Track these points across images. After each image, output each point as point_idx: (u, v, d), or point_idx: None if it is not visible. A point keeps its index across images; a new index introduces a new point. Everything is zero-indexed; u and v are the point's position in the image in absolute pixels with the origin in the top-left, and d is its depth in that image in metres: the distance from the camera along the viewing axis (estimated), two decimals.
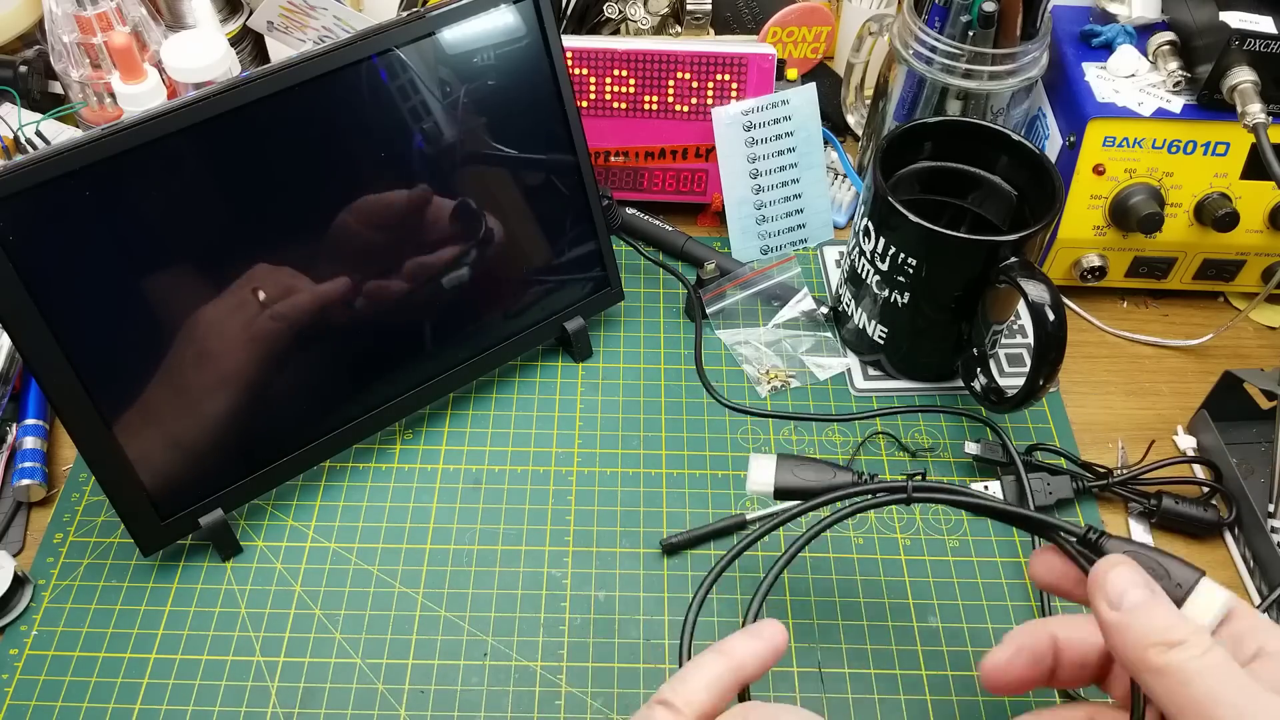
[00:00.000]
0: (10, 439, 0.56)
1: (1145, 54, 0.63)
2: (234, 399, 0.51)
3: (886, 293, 0.57)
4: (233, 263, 0.49)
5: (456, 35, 0.52)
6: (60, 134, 0.69)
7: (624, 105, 0.66)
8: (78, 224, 0.44)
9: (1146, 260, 0.64)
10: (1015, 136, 0.57)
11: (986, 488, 0.55)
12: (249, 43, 0.74)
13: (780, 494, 0.46)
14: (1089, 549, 0.38)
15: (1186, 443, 0.59)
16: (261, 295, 0.49)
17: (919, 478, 0.42)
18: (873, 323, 0.60)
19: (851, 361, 0.63)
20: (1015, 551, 0.54)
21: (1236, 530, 0.55)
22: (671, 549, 0.53)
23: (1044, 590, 0.40)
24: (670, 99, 0.66)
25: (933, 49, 0.62)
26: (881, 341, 0.60)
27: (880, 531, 0.55)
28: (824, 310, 0.65)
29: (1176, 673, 0.31)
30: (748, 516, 0.54)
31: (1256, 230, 0.62)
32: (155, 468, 0.49)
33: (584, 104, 0.66)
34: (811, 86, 0.66)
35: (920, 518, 0.55)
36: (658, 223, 0.68)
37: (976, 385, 0.58)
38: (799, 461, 0.46)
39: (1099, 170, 0.61)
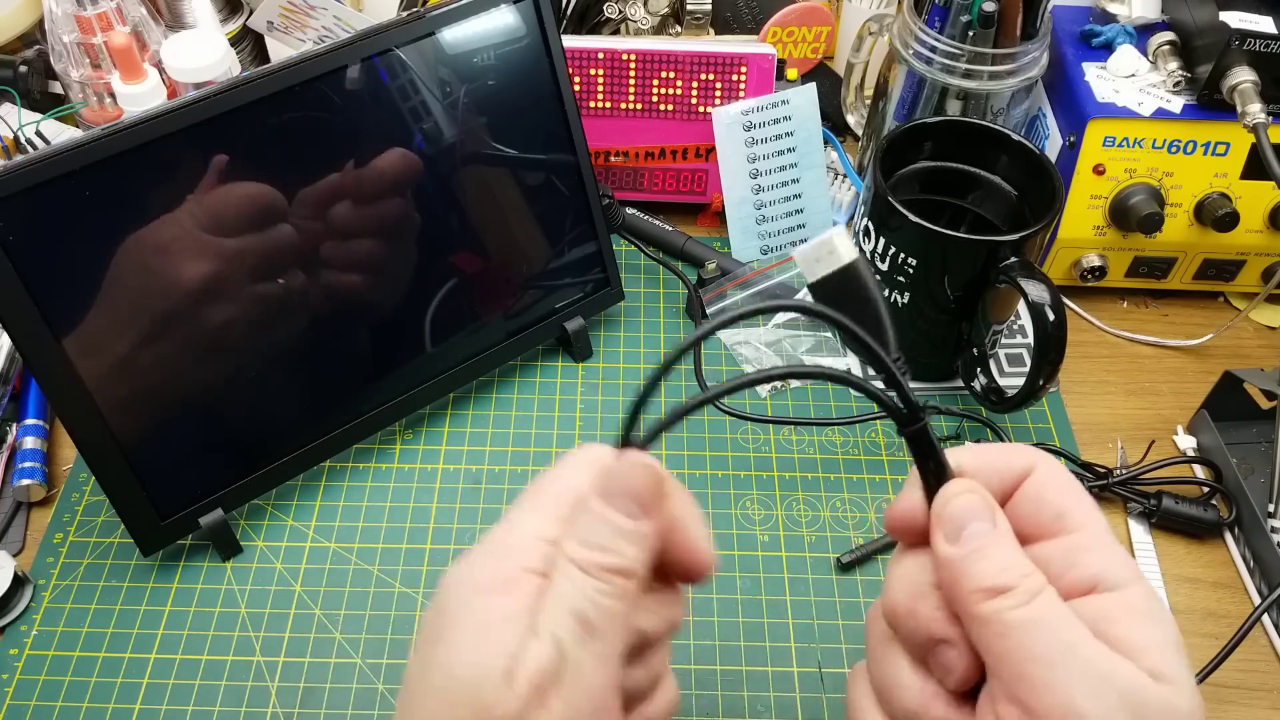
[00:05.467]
0: (10, 439, 0.56)
1: (1145, 54, 0.63)
2: (236, 398, 0.51)
3: (886, 293, 0.57)
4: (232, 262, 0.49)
5: (456, 35, 0.52)
6: (60, 134, 0.69)
7: (624, 105, 0.66)
8: (78, 224, 0.44)
9: (1146, 260, 0.64)
10: (1015, 136, 0.57)
11: None
12: (249, 43, 0.74)
13: (825, 286, 0.32)
14: (922, 448, 0.30)
15: (1186, 443, 0.59)
16: (263, 288, 0.49)
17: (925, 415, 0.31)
18: None
19: (852, 362, 0.63)
20: None
21: (1236, 530, 0.55)
22: (847, 567, 0.53)
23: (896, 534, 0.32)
24: (670, 99, 0.66)
25: (933, 49, 0.62)
26: None
27: (881, 530, 0.55)
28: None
29: (994, 624, 0.28)
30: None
31: (1256, 230, 0.62)
32: (155, 468, 0.49)
33: (585, 104, 0.66)
34: (811, 86, 0.66)
35: None
36: (658, 223, 0.68)
37: (976, 385, 0.58)
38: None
39: (1099, 170, 0.61)
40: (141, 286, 0.47)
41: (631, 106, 0.66)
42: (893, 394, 0.30)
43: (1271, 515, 0.53)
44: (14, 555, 0.52)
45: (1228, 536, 0.55)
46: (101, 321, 0.46)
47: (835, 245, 0.30)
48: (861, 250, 0.29)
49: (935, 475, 0.31)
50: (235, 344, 0.50)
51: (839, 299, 0.31)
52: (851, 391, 0.61)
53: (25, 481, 0.54)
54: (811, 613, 0.51)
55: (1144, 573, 0.53)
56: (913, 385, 0.60)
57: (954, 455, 0.31)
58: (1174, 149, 0.61)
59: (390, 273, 0.53)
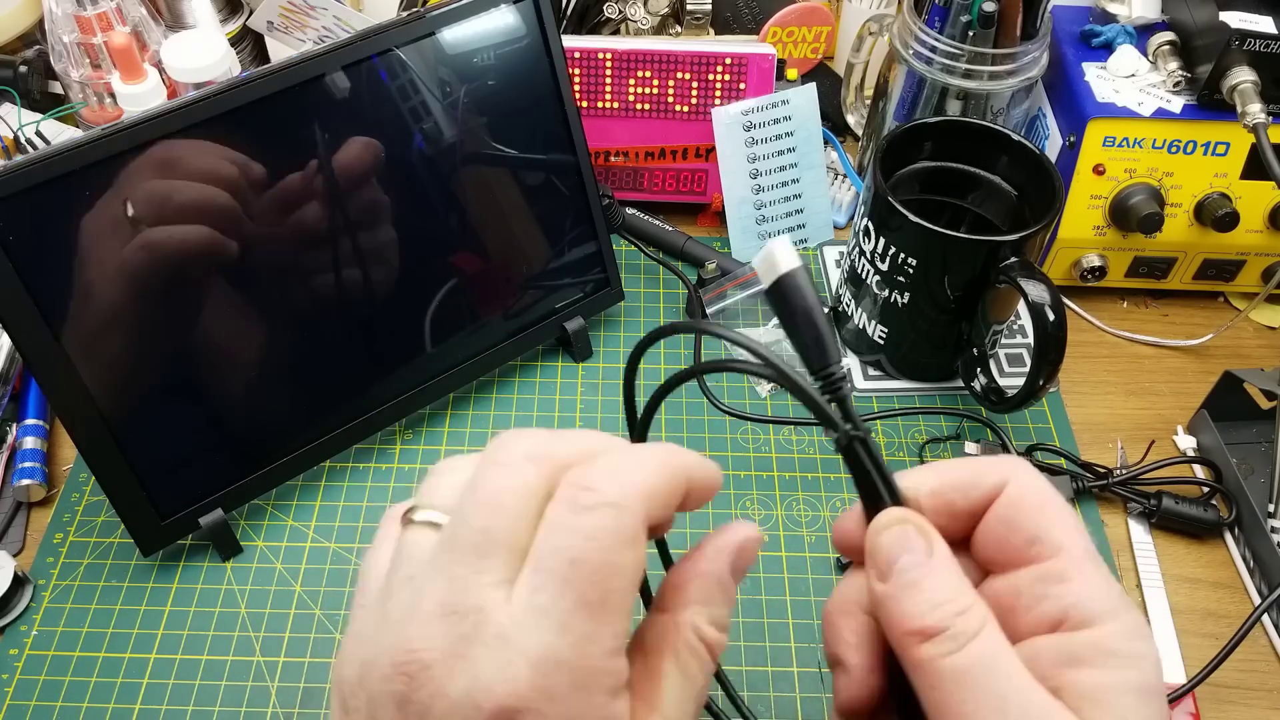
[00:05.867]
0: (10, 439, 0.56)
1: (1145, 54, 0.63)
2: (236, 398, 0.51)
3: (886, 293, 0.57)
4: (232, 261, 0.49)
5: (456, 35, 0.52)
6: (60, 134, 0.69)
7: (624, 105, 0.66)
8: (78, 224, 0.44)
9: (1146, 260, 0.64)
10: (1015, 136, 0.57)
11: None
12: (249, 43, 0.74)
13: (778, 292, 0.30)
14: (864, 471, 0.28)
15: (1186, 443, 0.59)
16: (257, 292, 0.50)
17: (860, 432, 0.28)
18: (873, 323, 0.60)
19: (851, 362, 0.63)
20: None
21: (1236, 530, 0.55)
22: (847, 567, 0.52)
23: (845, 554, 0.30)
24: (670, 99, 0.66)
25: (933, 49, 0.62)
26: (881, 341, 0.60)
27: None
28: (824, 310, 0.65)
29: (927, 672, 0.25)
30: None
31: (1256, 230, 0.62)
32: (155, 468, 0.49)
33: (585, 104, 0.66)
34: (811, 86, 0.66)
35: None
36: (658, 223, 0.68)
37: (976, 385, 0.58)
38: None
39: (1099, 170, 0.61)
40: (142, 288, 0.47)
41: (631, 106, 0.66)
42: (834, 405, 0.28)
43: (1271, 515, 0.53)
44: (14, 555, 0.52)
45: (1228, 536, 0.55)
46: (101, 322, 0.46)
47: (774, 257, 0.29)
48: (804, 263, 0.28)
49: (873, 497, 0.28)
50: (236, 344, 0.50)
51: (789, 307, 0.29)
52: (851, 391, 0.61)
53: (25, 481, 0.54)
54: (811, 613, 0.51)
55: (1143, 573, 0.53)
56: (912, 385, 0.61)
57: (917, 474, 0.29)
58: (1174, 149, 0.61)
59: (389, 267, 0.53)
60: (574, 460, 0.26)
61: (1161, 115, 0.60)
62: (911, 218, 0.53)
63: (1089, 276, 0.64)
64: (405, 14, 0.51)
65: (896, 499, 0.28)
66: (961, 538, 0.29)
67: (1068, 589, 0.26)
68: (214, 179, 0.47)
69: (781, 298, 0.29)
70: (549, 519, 0.25)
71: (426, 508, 0.26)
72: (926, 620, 0.26)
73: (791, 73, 0.68)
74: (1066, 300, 0.63)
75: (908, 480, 0.29)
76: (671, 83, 0.65)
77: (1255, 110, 0.56)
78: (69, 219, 0.44)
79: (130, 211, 0.45)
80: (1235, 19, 0.58)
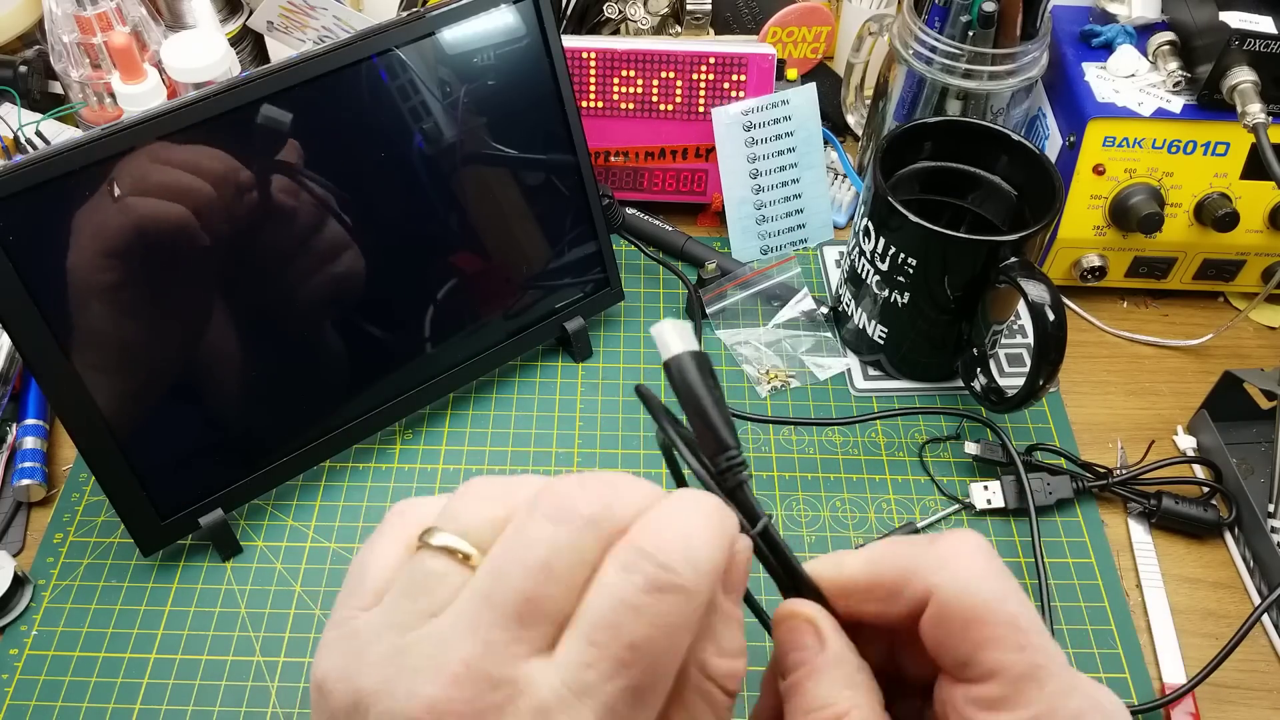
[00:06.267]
0: (10, 439, 0.56)
1: (1145, 54, 0.63)
2: (236, 398, 0.51)
3: (886, 293, 0.57)
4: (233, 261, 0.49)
5: (456, 35, 0.52)
6: (60, 134, 0.69)
7: (624, 105, 0.66)
8: (78, 224, 0.44)
9: (1146, 260, 0.64)
10: (1015, 136, 0.57)
11: (986, 488, 0.55)
12: (249, 43, 0.74)
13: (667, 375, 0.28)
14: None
15: (1186, 443, 0.59)
16: (260, 289, 0.50)
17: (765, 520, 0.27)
18: (873, 323, 0.60)
19: (851, 362, 0.63)
20: (1015, 552, 0.54)
21: (1236, 530, 0.55)
22: None
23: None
24: (670, 99, 0.66)
25: (933, 49, 0.62)
26: (881, 341, 0.60)
27: (882, 530, 0.55)
28: (824, 310, 0.65)
29: None
30: None
31: (1256, 230, 0.62)
32: (155, 468, 0.49)
33: (584, 104, 0.66)
34: (811, 86, 0.66)
35: (933, 526, 0.55)
36: (658, 223, 0.68)
37: (976, 385, 0.58)
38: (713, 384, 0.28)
39: (1099, 170, 0.61)
40: (142, 288, 0.47)
41: (631, 106, 0.66)
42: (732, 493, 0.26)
43: (1271, 515, 0.53)
44: (14, 555, 0.52)
45: (1228, 536, 0.55)
46: (101, 322, 0.46)
47: (663, 339, 0.27)
48: (698, 348, 0.26)
49: (782, 583, 0.27)
50: (236, 344, 0.50)
51: (676, 392, 0.27)
52: (851, 390, 0.61)
53: (25, 481, 0.54)
54: None
55: (1143, 573, 0.53)
56: (912, 385, 0.61)
57: (844, 556, 0.27)
58: (1174, 149, 0.61)
59: (389, 266, 0.53)
60: (632, 519, 0.24)
61: (1161, 115, 0.60)
62: (911, 218, 0.53)
63: (1089, 276, 0.64)
64: (405, 14, 0.51)
65: (799, 589, 0.27)
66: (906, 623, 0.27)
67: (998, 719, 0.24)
68: (198, 171, 0.46)
69: (670, 381, 0.27)
70: (611, 591, 0.22)
71: (451, 532, 0.24)
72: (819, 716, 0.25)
73: (791, 73, 0.68)
74: (1066, 300, 0.63)
75: (847, 559, 0.27)
76: (671, 82, 0.65)
77: (1255, 110, 0.56)
78: (69, 219, 0.44)
79: (115, 192, 0.45)
80: (1235, 19, 0.58)
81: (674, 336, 0.27)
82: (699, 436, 0.27)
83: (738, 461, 0.26)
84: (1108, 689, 0.25)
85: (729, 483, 0.26)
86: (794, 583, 0.27)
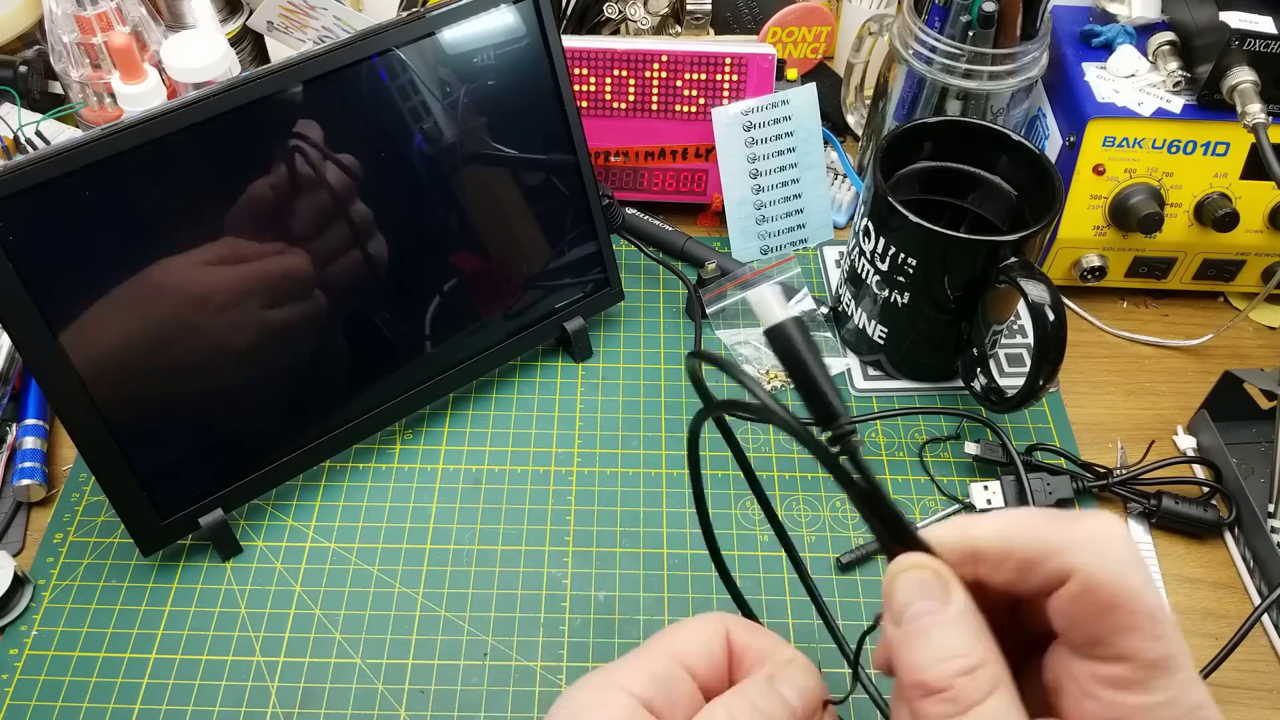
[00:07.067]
0: (10, 439, 0.56)
1: (1145, 54, 0.63)
2: (236, 398, 0.51)
3: (886, 293, 0.57)
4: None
5: (456, 35, 0.52)
6: (60, 134, 0.69)
7: (624, 105, 0.66)
8: (78, 224, 0.44)
9: (1146, 260, 0.64)
10: (1015, 136, 0.57)
11: (986, 488, 0.55)
12: (249, 43, 0.74)
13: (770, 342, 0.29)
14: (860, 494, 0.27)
15: (1186, 443, 0.59)
16: (258, 293, 0.49)
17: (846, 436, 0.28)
18: (873, 323, 0.60)
19: (851, 362, 0.63)
20: None
21: (1236, 530, 0.55)
22: (847, 567, 0.53)
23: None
24: (670, 99, 0.66)
25: (933, 49, 0.62)
26: (881, 341, 0.60)
27: None
28: (824, 310, 0.65)
29: None
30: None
31: (1256, 230, 0.62)
32: (155, 468, 0.49)
33: (584, 104, 0.66)
34: (811, 86, 0.66)
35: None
36: (658, 223, 0.68)
37: (976, 385, 0.58)
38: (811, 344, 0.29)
39: (1099, 170, 0.61)
40: (141, 286, 0.47)
41: (631, 106, 0.66)
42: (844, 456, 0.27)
43: (1271, 515, 0.53)
44: (14, 555, 0.52)
45: (1228, 536, 0.55)
46: (101, 322, 0.46)
47: (768, 306, 0.28)
48: (800, 316, 0.25)
49: (896, 538, 0.27)
50: (235, 344, 0.50)
51: (781, 359, 0.28)
52: (851, 390, 0.61)
53: (25, 481, 0.54)
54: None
55: None
56: (912, 385, 0.61)
57: (972, 522, 0.27)
58: (1174, 149, 0.61)
59: (389, 266, 0.53)
60: None
61: (1161, 115, 0.60)
62: (911, 218, 0.53)
63: (1089, 276, 0.64)
64: (405, 14, 0.51)
65: (911, 548, 0.27)
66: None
67: (1125, 699, 0.24)
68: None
69: (773, 349, 0.28)
70: None
71: None
72: (928, 675, 0.25)
73: (791, 73, 0.68)
74: (1066, 300, 0.63)
75: (978, 528, 0.27)
76: (671, 82, 0.65)
77: (1255, 110, 0.56)
78: (69, 219, 0.44)
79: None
80: (1235, 19, 0.58)
81: (775, 303, 0.27)
82: (808, 405, 0.27)
83: (849, 429, 0.27)
84: None
85: (849, 445, 0.27)
86: (907, 542, 0.27)
